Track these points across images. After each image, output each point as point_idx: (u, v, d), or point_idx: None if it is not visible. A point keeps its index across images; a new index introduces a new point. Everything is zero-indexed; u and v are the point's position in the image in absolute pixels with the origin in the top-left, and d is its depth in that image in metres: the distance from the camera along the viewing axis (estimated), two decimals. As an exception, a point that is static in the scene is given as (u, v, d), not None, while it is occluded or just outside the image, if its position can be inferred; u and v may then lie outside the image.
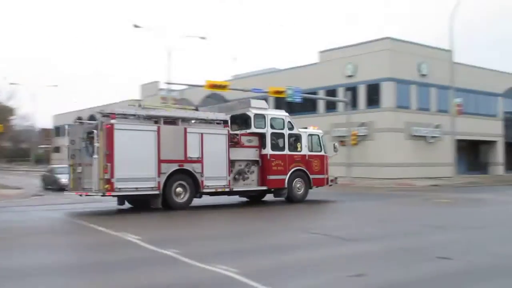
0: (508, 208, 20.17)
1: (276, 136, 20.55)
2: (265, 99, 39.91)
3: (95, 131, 16.35)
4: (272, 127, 20.30)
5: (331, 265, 9.02)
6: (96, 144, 16.19)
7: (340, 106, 42.60)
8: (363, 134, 40.91)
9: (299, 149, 21.23)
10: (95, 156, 16.13)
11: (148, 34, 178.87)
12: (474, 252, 10.13)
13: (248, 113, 20.11)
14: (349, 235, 12.10)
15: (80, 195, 17.70)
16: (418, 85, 42.55)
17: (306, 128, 22.39)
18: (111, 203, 18.93)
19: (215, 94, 50.83)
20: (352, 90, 41.01)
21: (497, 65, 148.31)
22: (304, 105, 43.31)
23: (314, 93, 43.00)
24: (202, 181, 17.97)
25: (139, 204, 18.38)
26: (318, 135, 22.30)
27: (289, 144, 20.81)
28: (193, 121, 18.59)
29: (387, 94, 40.86)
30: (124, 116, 16.92)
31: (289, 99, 34.65)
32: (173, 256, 9.40)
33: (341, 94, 42.48)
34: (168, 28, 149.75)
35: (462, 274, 8.35)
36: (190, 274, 8.21)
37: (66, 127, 19.58)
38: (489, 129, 48.47)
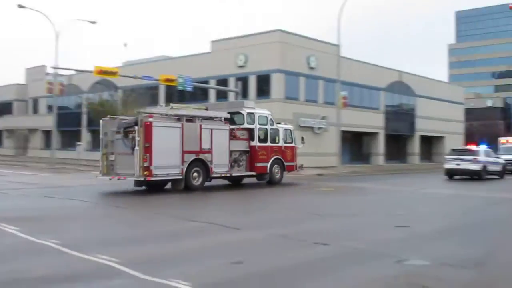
0: (385, 196, 21.36)
1: (262, 130, 24.56)
2: (156, 87, 39.44)
3: (136, 127, 19.42)
4: (259, 123, 24.32)
5: (214, 252, 9.20)
6: (137, 138, 19.26)
7: (231, 96, 42.95)
8: (253, 124, 41.62)
9: (277, 141, 25.37)
10: (136, 147, 19.27)
11: (34, 15, 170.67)
12: (349, 238, 10.73)
13: (241, 111, 24.09)
14: (233, 223, 12.35)
15: (110, 179, 20.60)
16: (306, 78, 43.80)
17: (280, 123, 26.21)
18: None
19: (105, 80, 49.56)
20: (243, 80, 41.48)
21: (382, 60, 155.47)
22: (195, 94, 43.36)
23: (206, 83, 43.08)
24: (212, 168, 21.74)
25: (153, 188, 21.05)
26: (290, 130, 26.52)
27: (271, 137, 24.95)
28: (205, 119, 22.07)
29: (277, 85, 41.75)
30: (159, 115, 20.54)
31: (180, 88, 34.53)
32: (53, 246, 9.17)
33: (232, 84, 42.85)
34: (57, 10, 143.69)
35: (337, 258, 8.86)
36: (69, 264, 8.06)
37: (101, 121, 21.58)
38: (371, 121, 50.92)
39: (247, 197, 20.85)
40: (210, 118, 22.37)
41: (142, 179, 19.46)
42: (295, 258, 8.75)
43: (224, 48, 44.75)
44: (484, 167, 30.92)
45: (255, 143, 24.02)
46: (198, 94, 44.98)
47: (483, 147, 32.28)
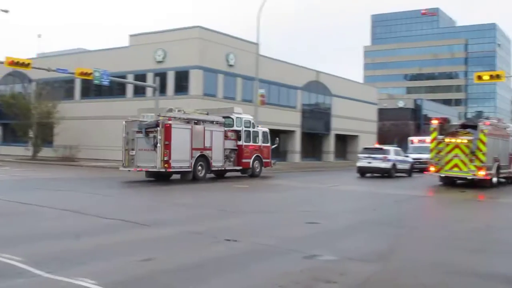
0: (298, 193, 21.78)
1: (246, 132, 29.28)
2: (72, 80, 38.16)
3: (157, 128, 23.53)
4: (244, 126, 29.13)
5: (124, 250, 9.07)
6: (158, 137, 23.45)
7: (149, 92, 42.37)
8: (171, 120, 41.36)
9: (257, 141, 30.23)
10: (158, 145, 23.41)
11: None
12: (260, 235, 10.87)
13: (231, 116, 28.90)
14: (144, 220, 12.23)
15: (129, 170, 25.08)
16: (225, 75, 43.88)
17: (258, 126, 30.87)
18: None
19: (17, 72, 47.50)
20: (162, 76, 40.98)
21: (300, 60, 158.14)
22: (112, 89, 42.49)
23: (124, 77, 42.24)
24: (211, 163, 26.24)
25: (159, 178, 25.03)
26: (267, 132, 31.53)
27: (253, 137, 29.78)
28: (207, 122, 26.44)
29: (195, 81, 41.59)
30: (176, 118, 24.45)
31: (96, 82, 33.69)
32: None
33: (150, 80, 42.23)
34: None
35: (246, 254, 8.95)
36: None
37: (124, 123, 25.18)
38: (288, 119, 51.73)
39: (170, 193, 20.68)
40: (211, 122, 26.77)
41: (163, 170, 23.61)
42: (205, 255, 8.78)
43: (143, 43, 44.12)
44: (394, 165, 32.18)
45: (242, 142, 28.78)
46: (116, 88, 44.16)
47: (388, 146, 33.47)
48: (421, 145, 40.10)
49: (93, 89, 46.19)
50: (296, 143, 53.89)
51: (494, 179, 26.51)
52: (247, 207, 16.35)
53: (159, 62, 43.15)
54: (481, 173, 24.83)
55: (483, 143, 24.94)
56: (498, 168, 27.08)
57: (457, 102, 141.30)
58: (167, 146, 23.50)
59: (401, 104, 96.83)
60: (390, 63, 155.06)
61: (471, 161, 25.14)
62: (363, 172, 32.78)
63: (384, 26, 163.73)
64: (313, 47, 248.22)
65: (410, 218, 14.91)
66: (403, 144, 53.56)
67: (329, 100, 59.64)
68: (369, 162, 32.07)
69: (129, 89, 45.25)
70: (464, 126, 27.36)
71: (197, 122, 25.78)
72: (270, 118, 46.89)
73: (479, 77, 33.17)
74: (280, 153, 53.14)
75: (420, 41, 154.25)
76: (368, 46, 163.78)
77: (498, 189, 25.54)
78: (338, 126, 60.59)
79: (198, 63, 41.37)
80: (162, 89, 39.94)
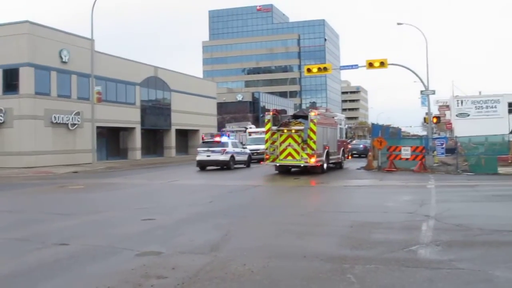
0: (136, 190, 21.39)
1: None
2: None
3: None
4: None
5: None
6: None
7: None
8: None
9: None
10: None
11: None
12: (92, 236, 10.57)
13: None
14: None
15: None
16: (59, 72, 41.77)
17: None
18: None
19: None
20: (-12, 74, 38.16)
21: (140, 56, 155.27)
22: None
23: None
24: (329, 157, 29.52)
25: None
26: None
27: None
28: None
29: (26, 80, 39.11)
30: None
31: None
32: None
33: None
34: None
35: (76, 257, 8.61)
36: None
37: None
38: (128, 116, 50.73)
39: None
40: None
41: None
42: (32, 261, 8.33)
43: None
44: (233, 157, 32.96)
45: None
46: None
47: (225, 138, 34.11)
48: (258, 137, 41.49)
49: None
50: (137, 140, 52.98)
51: (325, 165, 28.26)
52: (80, 208, 15.73)
53: (-15, 59, 39.97)
54: (313, 160, 26.33)
55: (313, 132, 26.45)
56: (328, 154, 28.92)
57: (293, 94, 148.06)
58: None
59: (240, 97, 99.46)
60: (228, 58, 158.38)
61: (303, 149, 26.58)
62: (203, 165, 33.15)
63: (221, 22, 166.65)
64: (154, 42, 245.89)
65: (244, 207, 15.32)
66: (242, 135, 55.01)
67: (168, 95, 59.42)
68: (208, 156, 32.52)
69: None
70: (296, 117, 28.73)
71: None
72: (108, 115, 45.75)
73: (309, 70, 35.09)
74: (120, 151, 52.05)
75: (256, 36, 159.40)
76: (206, 41, 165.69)
77: (328, 174, 27.22)
78: (178, 121, 60.61)
79: (29, 60, 38.94)
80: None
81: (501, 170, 26.40)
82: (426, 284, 6.82)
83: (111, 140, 50.97)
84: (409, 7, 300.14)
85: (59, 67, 41.85)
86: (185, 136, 65.05)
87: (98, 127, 42.17)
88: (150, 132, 56.94)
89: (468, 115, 63.31)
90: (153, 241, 9.95)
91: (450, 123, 69.47)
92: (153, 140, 58.54)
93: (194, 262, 8.23)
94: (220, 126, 72.78)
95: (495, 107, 63.12)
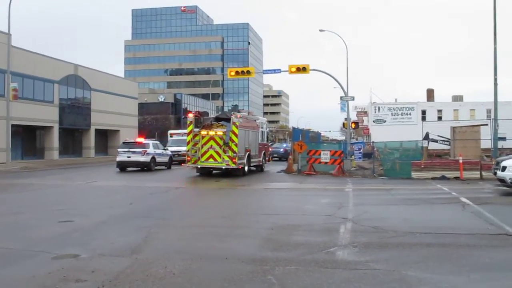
0: (54, 191, 20.69)
1: None
2: None
3: None
4: None
5: None
6: None
7: None
8: None
9: None
10: None
11: None
12: (5, 239, 10.17)
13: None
14: None
15: None
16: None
17: None
18: None
19: None
20: None
21: (60, 54, 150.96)
22: None
23: None
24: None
25: None
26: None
27: None
28: None
29: None
30: None
31: None
32: None
33: None
34: None
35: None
36: None
37: None
38: (45, 114, 48.97)
39: None
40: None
41: None
42: None
43: None
44: (153, 158, 32.57)
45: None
46: None
47: (146, 139, 33.61)
48: (179, 138, 41.21)
49: None
50: (54, 139, 51.21)
51: (246, 168, 28.52)
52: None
53: None
54: (234, 163, 26.48)
55: (235, 134, 26.61)
56: (249, 157, 29.19)
57: (215, 96, 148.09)
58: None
59: (162, 98, 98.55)
60: (151, 58, 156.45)
61: (225, 151, 26.68)
62: (123, 166, 32.60)
63: (145, 21, 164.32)
64: (75, 41, 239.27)
65: (165, 209, 15.22)
66: (163, 137, 54.44)
67: (88, 94, 57.86)
68: (129, 157, 32.00)
69: None
70: (218, 119, 28.87)
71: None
72: (24, 113, 44.11)
73: (232, 73, 35.07)
74: (36, 151, 50.24)
75: (180, 37, 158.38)
76: (129, 41, 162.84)
77: (249, 177, 27.45)
78: (98, 121, 59.19)
79: None
80: None
81: (414, 174, 27.51)
82: (344, 284, 7.03)
83: (27, 139, 49.02)
84: (332, 15, 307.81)
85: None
86: (105, 136, 63.63)
87: (13, 125, 40.51)
88: (68, 132, 55.28)
89: (385, 121, 65.72)
90: (71, 244, 9.69)
91: (368, 129, 71.85)
92: (72, 140, 56.86)
93: (114, 264, 8.10)
94: (141, 126, 71.82)
95: (410, 114, 65.88)
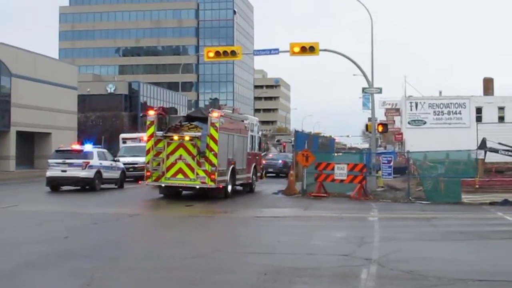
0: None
1: None
2: None
3: None
4: None
5: None
6: None
7: None
8: None
9: None
10: None
11: None
12: None
13: None
14: None
15: None
16: None
17: None
18: None
19: None
20: None
21: None
22: None
23: None
24: None
25: None
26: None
27: None
28: None
29: None
30: None
31: None
32: None
33: None
34: None
35: None
36: None
37: None
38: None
39: None
40: None
41: None
42: None
43: None
44: (99, 173, 32.27)
45: None
46: None
47: (89, 147, 33.40)
48: (136, 145, 41.19)
49: None
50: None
51: (229, 187, 28.38)
52: None
53: None
54: (212, 181, 26.34)
55: (215, 140, 26.48)
56: (234, 173, 29.08)
57: (187, 87, 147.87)
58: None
59: (111, 88, 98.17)
60: (96, 32, 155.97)
61: (199, 164, 26.54)
62: (56, 184, 32.35)
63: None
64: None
65: (115, 246, 15.16)
66: (114, 143, 54.29)
67: (8, 82, 57.61)
68: (64, 171, 31.70)
69: None
70: (190, 118, 28.68)
71: None
72: None
73: (211, 54, 34.79)
74: None
75: (137, 3, 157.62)
76: (65, 7, 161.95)
77: (234, 200, 27.48)
78: (21, 120, 58.85)
79: None
80: None
81: (465, 198, 27.58)
82: None
83: None
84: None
85: None
86: (30, 142, 63.38)
87: None
88: (-24, 135, 55.19)
89: (425, 123, 65.82)
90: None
91: (401, 133, 71.87)
92: (-18, 146, 56.75)
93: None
94: (82, 128, 71.50)
95: (460, 113, 65.84)
